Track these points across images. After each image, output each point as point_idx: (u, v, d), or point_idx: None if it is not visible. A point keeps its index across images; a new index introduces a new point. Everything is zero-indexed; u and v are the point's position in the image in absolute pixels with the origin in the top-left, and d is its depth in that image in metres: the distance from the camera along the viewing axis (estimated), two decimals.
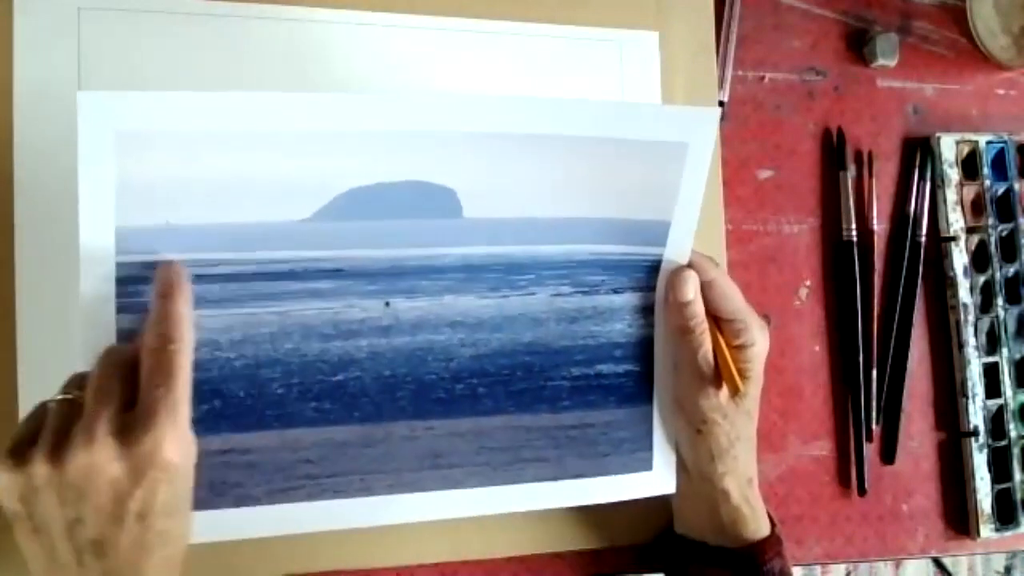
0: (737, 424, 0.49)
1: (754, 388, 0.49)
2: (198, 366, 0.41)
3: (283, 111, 0.39)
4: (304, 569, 0.51)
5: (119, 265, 0.40)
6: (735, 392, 0.48)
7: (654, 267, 0.48)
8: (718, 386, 0.48)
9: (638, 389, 0.50)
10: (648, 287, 0.48)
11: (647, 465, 0.50)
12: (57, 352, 0.48)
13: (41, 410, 0.39)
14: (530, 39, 0.56)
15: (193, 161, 0.39)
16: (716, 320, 0.48)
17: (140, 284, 0.41)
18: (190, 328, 0.40)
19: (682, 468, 0.51)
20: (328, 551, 0.51)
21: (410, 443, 0.46)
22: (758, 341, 0.49)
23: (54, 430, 0.38)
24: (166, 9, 0.50)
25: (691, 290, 0.47)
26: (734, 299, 0.48)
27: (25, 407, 0.47)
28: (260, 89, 0.48)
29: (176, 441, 0.38)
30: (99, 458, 0.36)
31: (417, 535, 0.53)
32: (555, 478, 0.49)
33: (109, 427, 0.37)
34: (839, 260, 0.63)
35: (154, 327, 0.39)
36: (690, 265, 0.48)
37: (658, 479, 0.51)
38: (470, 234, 0.44)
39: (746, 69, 0.62)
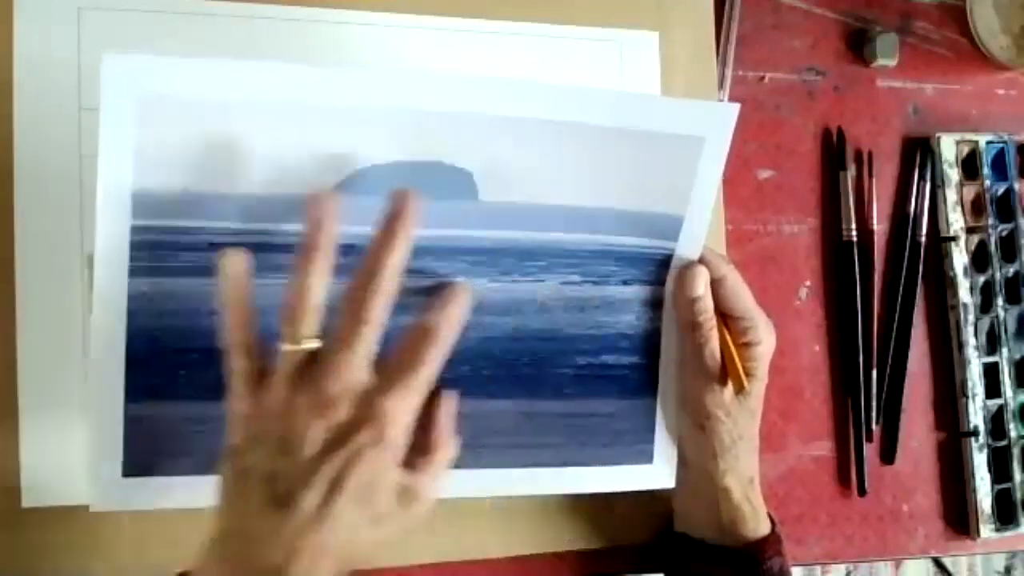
0: (740, 422, 0.49)
1: (759, 387, 0.49)
2: (206, 335, 0.42)
3: (306, 83, 0.40)
4: None
5: (134, 228, 0.40)
6: (740, 390, 0.48)
7: (665, 261, 0.48)
8: (723, 383, 0.48)
9: (642, 382, 0.50)
10: (658, 281, 0.48)
11: (647, 458, 0.50)
12: (57, 352, 0.48)
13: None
14: (530, 39, 0.56)
15: (214, 129, 0.40)
16: (724, 317, 0.49)
17: (154, 249, 0.41)
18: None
19: (683, 465, 0.51)
20: None
21: None
22: (765, 340, 0.49)
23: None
24: (167, 9, 0.50)
25: (701, 285, 0.47)
26: (743, 297, 0.48)
27: (25, 406, 0.47)
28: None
29: (399, 418, 0.39)
30: (333, 390, 0.38)
31: (417, 535, 0.53)
32: (554, 464, 0.49)
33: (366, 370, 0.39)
34: (839, 260, 0.63)
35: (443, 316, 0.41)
36: (701, 261, 0.48)
37: (657, 472, 0.51)
38: (484, 218, 0.45)
39: (746, 69, 0.62)
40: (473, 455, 0.48)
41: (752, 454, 0.50)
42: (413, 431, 0.41)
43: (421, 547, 0.53)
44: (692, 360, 0.49)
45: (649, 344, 0.49)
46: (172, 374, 0.43)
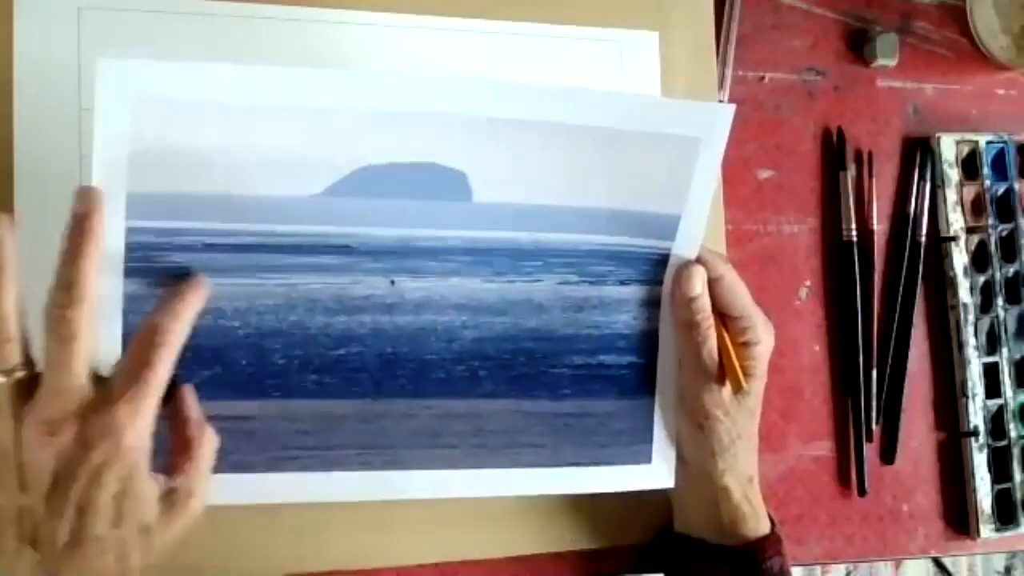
0: (739, 422, 0.49)
1: (757, 386, 0.49)
2: (202, 333, 0.42)
3: (301, 86, 0.40)
4: (304, 569, 0.51)
5: (129, 230, 0.40)
6: (738, 389, 0.48)
7: (662, 260, 0.48)
8: (721, 383, 0.48)
9: (640, 382, 0.50)
10: (655, 280, 0.48)
11: (645, 458, 0.51)
12: None
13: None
14: (530, 39, 0.56)
15: (209, 131, 0.40)
16: (722, 317, 0.48)
17: (149, 250, 0.41)
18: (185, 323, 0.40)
19: (682, 465, 0.51)
20: (328, 551, 0.51)
21: (408, 421, 0.47)
22: (763, 340, 0.49)
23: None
24: (167, 9, 0.50)
25: (698, 285, 0.47)
26: (741, 296, 0.48)
27: None
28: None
29: (134, 426, 0.37)
30: (55, 414, 0.36)
31: (417, 535, 0.53)
32: (551, 465, 0.49)
33: (78, 395, 0.37)
34: (839, 260, 0.63)
35: (157, 315, 0.39)
36: (699, 260, 0.48)
37: (656, 472, 0.51)
38: (479, 218, 0.45)
39: (746, 69, 0.62)
40: (470, 455, 0.48)
41: (751, 453, 0.50)
42: (171, 433, 0.41)
43: (421, 547, 0.53)
44: (690, 360, 0.49)
45: (646, 344, 0.49)
46: None
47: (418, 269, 0.45)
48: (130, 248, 0.41)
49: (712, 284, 0.48)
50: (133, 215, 0.40)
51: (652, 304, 0.49)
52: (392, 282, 0.45)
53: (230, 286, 0.43)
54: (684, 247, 0.48)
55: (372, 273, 0.45)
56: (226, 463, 0.44)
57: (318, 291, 0.44)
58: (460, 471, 0.48)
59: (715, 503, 0.50)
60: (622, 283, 0.48)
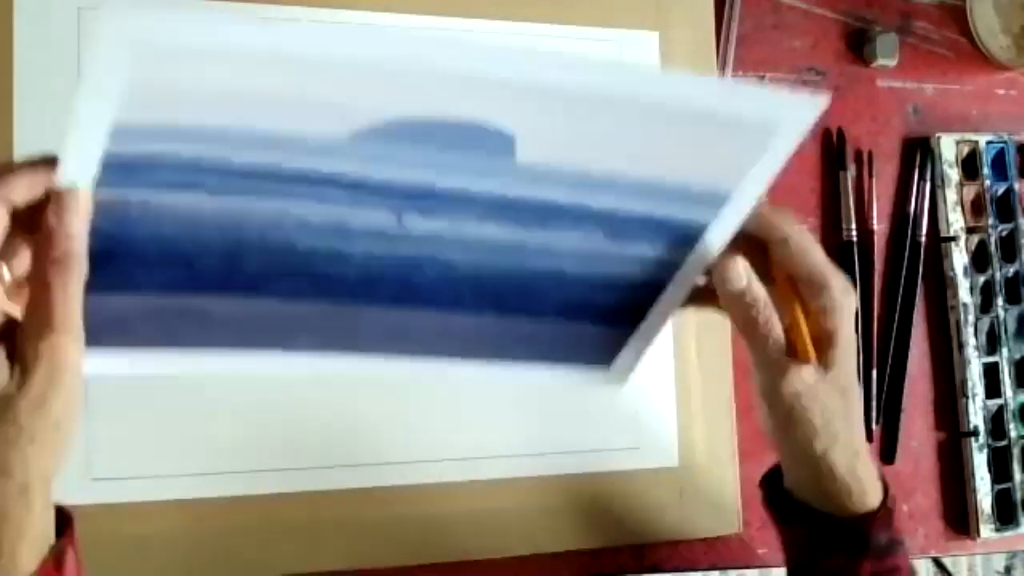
0: (829, 401, 0.44)
1: (843, 356, 0.44)
2: (172, 240, 0.39)
3: (327, 40, 0.37)
4: (303, 569, 0.51)
5: (109, 154, 0.36)
6: (809, 361, 0.44)
7: (696, 235, 0.44)
8: (797, 364, 0.44)
9: (627, 318, 0.47)
10: (682, 251, 0.45)
11: (605, 364, 0.49)
12: None
13: None
14: (530, 39, 0.56)
15: (220, 77, 0.36)
16: (793, 283, 0.44)
17: (128, 166, 0.37)
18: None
19: (782, 452, 0.47)
20: (327, 551, 0.51)
21: (378, 320, 0.44)
22: (843, 303, 0.44)
23: None
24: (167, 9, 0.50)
25: (743, 274, 0.44)
26: (813, 254, 0.44)
27: None
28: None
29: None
30: None
31: (417, 535, 0.53)
32: (501, 358, 0.47)
33: None
34: (839, 260, 0.63)
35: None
36: (760, 220, 0.44)
37: (611, 376, 0.49)
38: (518, 179, 0.41)
39: (746, 69, 0.62)
40: (428, 349, 0.46)
41: (853, 428, 0.45)
42: None
43: (421, 547, 0.53)
44: (759, 356, 0.44)
45: (648, 292, 0.46)
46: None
47: (433, 210, 0.41)
48: (107, 164, 0.36)
49: (778, 247, 0.44)
50: (118, 143, 0.35)
51: (669, 266, 0.45)
52: (400, 219, 0.41)
53: (215, 204, 0.39)
54: (721, 229, 0.44)
55: (380, 208, 0.41)
56: (176, 341, 0.42)
57: (314, 215, 0.40)
58: (416, 358, 0.46)
59: (820, 480, 0.45)
60: (649, 245, 0.44)
